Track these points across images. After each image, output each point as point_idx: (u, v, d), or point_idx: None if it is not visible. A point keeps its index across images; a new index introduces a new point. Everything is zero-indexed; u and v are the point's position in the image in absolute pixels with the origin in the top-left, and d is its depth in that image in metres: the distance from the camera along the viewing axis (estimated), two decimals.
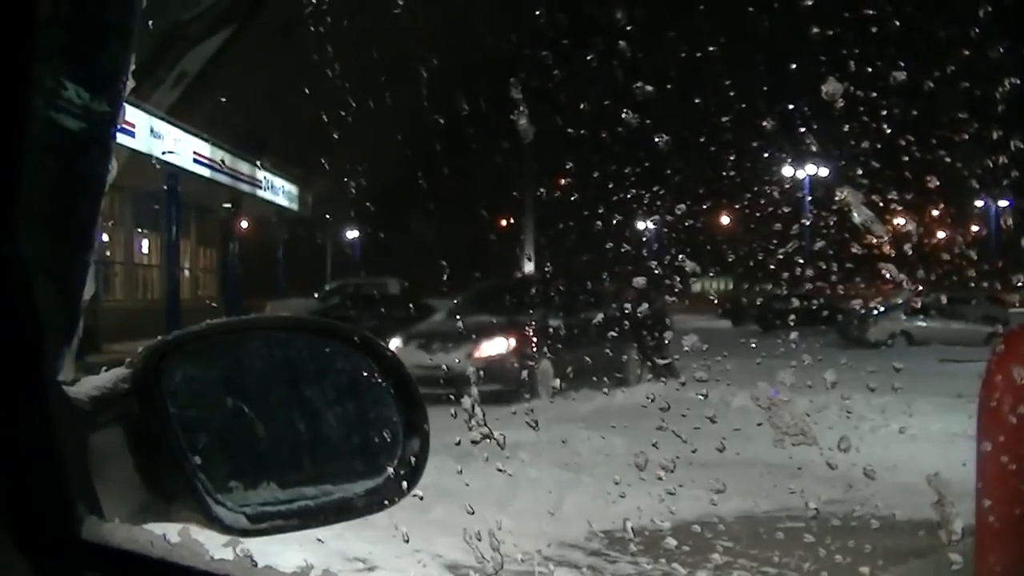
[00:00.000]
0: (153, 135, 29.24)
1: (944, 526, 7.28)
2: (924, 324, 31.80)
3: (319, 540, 5.53)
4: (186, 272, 39.90)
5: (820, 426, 12.19)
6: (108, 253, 34.57)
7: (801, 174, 53.73)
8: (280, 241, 46.41)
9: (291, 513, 1.34)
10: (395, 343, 18.71)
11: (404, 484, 1.44)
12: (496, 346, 18.01)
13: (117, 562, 1.13)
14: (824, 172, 54.04)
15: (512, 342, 18.05)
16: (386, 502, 1.43)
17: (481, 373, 16.30)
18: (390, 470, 1.44)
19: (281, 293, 41.53)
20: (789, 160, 48.43)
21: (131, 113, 27.41)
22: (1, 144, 1.08)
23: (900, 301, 34.32)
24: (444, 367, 16.33)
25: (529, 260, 43.48)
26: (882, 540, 7.78)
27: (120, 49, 1.18)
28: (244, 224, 43.62)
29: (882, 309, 34.16)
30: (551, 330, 18.62)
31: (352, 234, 63.93)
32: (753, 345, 17.87)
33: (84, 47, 1.15)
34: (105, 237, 34.22)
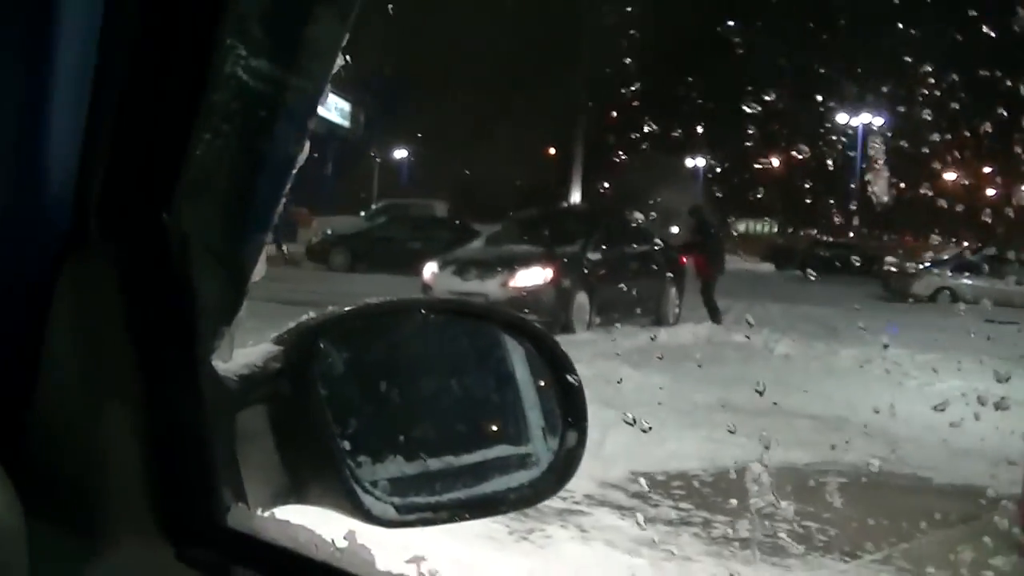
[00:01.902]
0: None
1: (987, 492, 7.28)
2: (970, 282, 31.48)
3: None
4: None
5: (864, 380, 12.26)
6: None
7: (855, 122, 53.24)
8: (330, 157, 46.41)
9: (440, 506, 1.31)
10: (431, 267, 18.60)
11: (556, 479, 1.41)
12: (531, 276, 17.62)
13: (263, 554, 1.10)
14: (879, 121, 53.57)
15: (548, 273, 17.62)
16: (537, 497, 1.41)
17: (515, 302, 16.26)
18: (544, 464, 1.42)
19: (328, 209, 41.59)
20: (844, 108, 47.99)
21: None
22: (176, 111, 1.07)
23: (946, 257, 34.07)
24: (484, 295, 16.45)
25: (576, 190, 43.32)
26: (923, 502, 7.80)
27: (333, 21, 1.14)
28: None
29: (928, 264, 33.90)
30: (590, 263, 18.40)
31: (401, 154, 63.79)
32: (795, 291, 17.74)
33: (289, 14, 1.12)
34: None
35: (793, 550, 6.50)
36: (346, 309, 1.33)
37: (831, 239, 49.52)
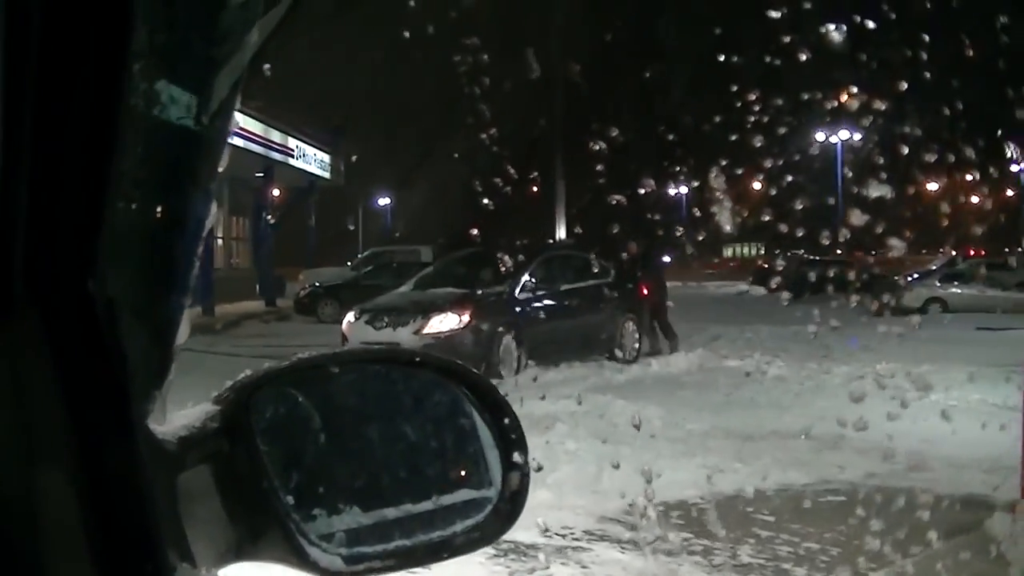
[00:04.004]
0: None
1: (988, 501, 7.27)
2: (959, 291, 31.58)
3: None
4: (219, 241, 40.03)
5: (856, 396, 12.24)
6: None
7: (834, 139, 53.52)
8: (312, 209, 46.50)
9: (388, 553, 1.31)
10: (349, 317, 17.92)
11: (503, 520, 1.42)
12: (446, 321, 16.59)
13: None
14: (857, 137, 53.81)
15: (466, 317, 16.57)
16: (485, 539, 1.41)
17: (430, 350, 15.62)
18: (489, 507, 1.42)
19: (314, 261, 41.63)
20: (822, 126, 48.21)
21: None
22: (91, 177, 1.06)
23: (934, 267, 34.16)
24: (396, 343, 15.56)
25: (559, 228, 43.34)
26: (923, 514, 7.76)
27: (229, 86, 1.14)
28: (276, 192, 43.75)
29: (916, 276, 33.99)
30: (520, 302, 17.59)
31: (384, 201, 63.98)
32: (785, 312, 17.71)
33: (188, 75, 1.11)
34: None
35: (796, 572, 6.47)
36: (282, 364, 1.33)
37: (818, 258, 49.69)
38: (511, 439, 1.44)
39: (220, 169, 1.18)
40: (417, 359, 1.54)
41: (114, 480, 1.05)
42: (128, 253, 1.11)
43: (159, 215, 1.13)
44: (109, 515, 1.04)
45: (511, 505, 1.42)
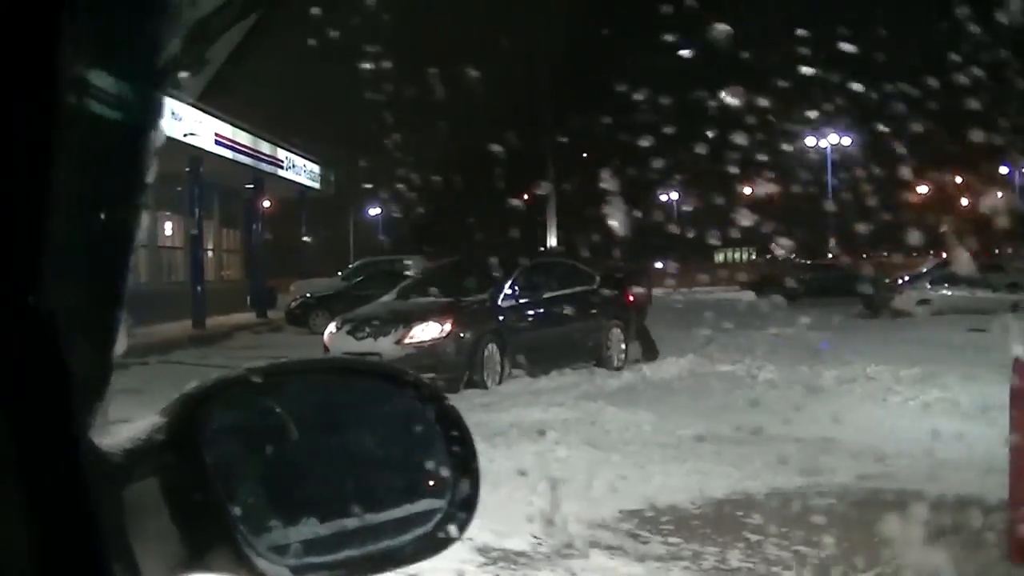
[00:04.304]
0: (174, 117, 29.30)
1: (979, 501, 7.27)
2: (949, 293, 31.63)
3: None
4: (210, 254, 39.95)
5: (848, 399, 12.27)
6: None
7: (824, 143, 53.64)
8: (303, 220, 46.48)
9: (337, 564, 1.31)
10: (330, 327, 17.83)
11: (454, 527, 1.41)
12: (427, 331, 16.46)
13: None
14: (846, 141, 53.94)
15: (447, 326, 16.44)
16: (436, 547, 1.40)
17: (412, 360, 15.58)
18: (440, 515, 1.42)
19: (305, 272, 41.57)
20: (811, 130, 48.31)
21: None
22: (26, 183, 1.06)
23: (924, 270, 34.20)
24: (377, 354, 15.41)
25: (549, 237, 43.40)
26: (913, 516, 7.76)
27: (150, 103, 1.13)
28: (267, 204, 43.74)
29: (907, 279, 34.05)
30: (503, 311, 17.43)
31: (375, 212, 64.00)
32: (777, 317, 17.72)
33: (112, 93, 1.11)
34: None
35: (785, 575, 6.46)
36: (231, 374, 1.32)
37: (809, 262, 49.83)
38: (461, 447, 1.43)
39: (151, 178, 1.17)
40: (368, 369, 1.54)
41: (57, 493, 1.04)
42: (67, 264, 1.10)
43: (97, 224, 1.12)
44: (52, 528, 1.03)
45: (462, 513, 1.41)
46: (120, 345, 1.15)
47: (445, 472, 1.42)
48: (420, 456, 1.44)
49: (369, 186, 54.24)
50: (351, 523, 1.34)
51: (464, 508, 1.41)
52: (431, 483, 1.42)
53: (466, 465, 1.42)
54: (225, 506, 1.22)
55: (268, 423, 1.36)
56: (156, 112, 1.15)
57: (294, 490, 1.34)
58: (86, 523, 1.05)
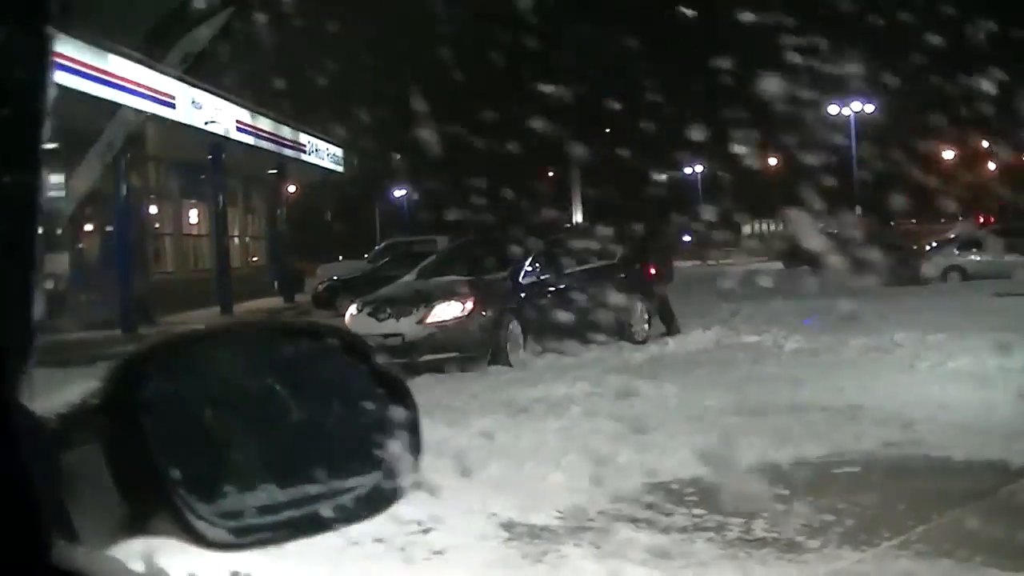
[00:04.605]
0: (194, 106, 29.36)
1: (1005, 466, 7.21)
2: (978, 258, 31.41)
3: None
4: (235, 240, 40.09)
5: (875, 367, 12.20)
6: (157, 225, 34.83)
7: (847, 112, 53.27)
8: (327, 204, 46.53)
9: (278, 524, 1.29)
10: (351, 309, 17.59)
11: (398, 482, 1.39)
12: (449, 310, 16.34)
13: None
14: (870, 109, 53.57)
15: (469, 304, 16.34)
16: (381, 503, 1.38)
17: (435, 339, 15.80)
18: (382, 470, 1.39)
19: (331, 255, 41.69)
20: (834, 98, 48.01)
21: (171, 85, 27.56)
22: None
23: (952, 236, 33.99)
24: (401, 335, 15.70)
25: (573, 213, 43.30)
26: (939, 482, 7.72)
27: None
28: (291, 189, 43.82)
29: (934, 245, 33.82)
30: (525, 288, 17.43)
31: (399, 192, 63.98)
32: (804, 286, 17.57)
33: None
34: (153, 209, 34.51)
35: (809, 544, 6.42)
36: (170, 336, 1.31)
37: (837, 231, 49.52)
38: (400, 401, 1.42)
39: (46, 137, 1.15)
40: (303, 329, 1.52)
41: None
42: None
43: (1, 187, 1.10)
44: None
45: (401, 476, 1.39)
46: (39, 311, 1.14)
47: (387, 429, 1.40)
48: (361, 415, 1.42)
49: (394, 167, 54.09)
50: (294, 484, 1.32)
51: (407, 465, 1.39)
52: (373, 440, 1.40)
53: (405, 419, 1.41)
54: (164, 470, 1.21)
55: (207, 385, 1.34)
56: (41, 59, 1.13)
57: (237, 454, 1.32)
58: (19, 487, 1.04)
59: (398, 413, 1.40)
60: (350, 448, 1.40)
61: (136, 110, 25.49)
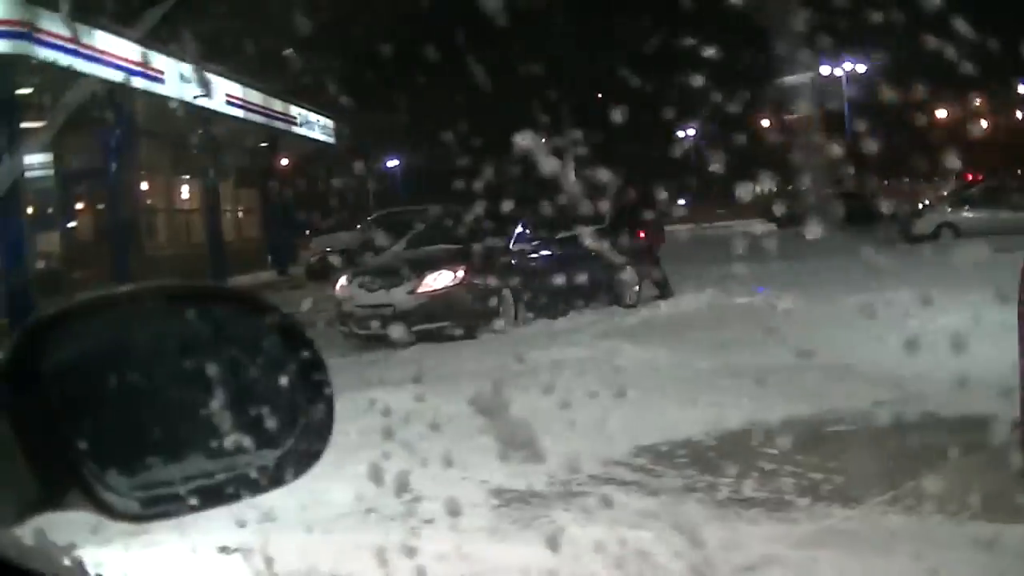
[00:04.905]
0: (183, 80, 29.22)
1: (996, 420, 7.20)
2: (971, 215, 31.37)
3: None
4: (227, 214, 39.99)
5: (867, 325, 12.17)
6: (149, 200, 34.73)
7: (839, 72, 53.14)
8: (320, 176, 46.44)
9: (188, 494, 1.26)
10: (342, 280, 17.52)
11: (310, 452, 1.35)
12: (440, 279, 16.35)
13: None
14: (861, 68, 53.41)
15: (460, 272, 16.39)
16: (292, 472, 1.35)
17: (426, 308, 15.80)
18: (293, 439, 1.36)
19: (325, 227, 41.58)
20: (825, 58, 47.84)
21: (159, 60, 27.37)
22: None
23: (944, 194, 33.96)
24: (391, 306, 15.79)
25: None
26: (930, 439, 7.70)
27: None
28: (284, 162, 43.70)
29: (927, 203, 33.80)
30: (515, 255, 17.49)
31: (392, 163, 63.79)
32: (796, 247, 17.50)
33: None
34: (145, 185, 34.40)
35: (799, 503, 6.42)
36: (68, 305, 1.26)
37: (828, 191, 49.45)
38: (313, 369, 1.38)
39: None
40: (210, 293, 1.48)
41: None
42: None
43: None
44: None
45: (316, 435, 1.35)
46: None
47: (298, 397, 1.37)
48: (273, 381, 1.38)
49: (386, 134, 53.92)
50: (202, 455, 1.29)
51: (319, 432, 1.36)
52: (284, 408, 1.36)
53: (319, 389, 1.37)
54: (69, 441, 1.17)
55: (113, 353, 1.30)
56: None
57: (145, 424, 1.28)
58: None
59: (311, 384, 1.37)
60: (260, 417, 1.36)
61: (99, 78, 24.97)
